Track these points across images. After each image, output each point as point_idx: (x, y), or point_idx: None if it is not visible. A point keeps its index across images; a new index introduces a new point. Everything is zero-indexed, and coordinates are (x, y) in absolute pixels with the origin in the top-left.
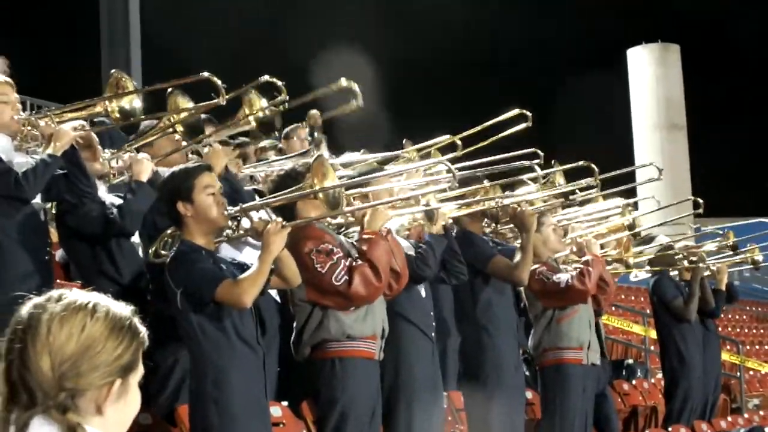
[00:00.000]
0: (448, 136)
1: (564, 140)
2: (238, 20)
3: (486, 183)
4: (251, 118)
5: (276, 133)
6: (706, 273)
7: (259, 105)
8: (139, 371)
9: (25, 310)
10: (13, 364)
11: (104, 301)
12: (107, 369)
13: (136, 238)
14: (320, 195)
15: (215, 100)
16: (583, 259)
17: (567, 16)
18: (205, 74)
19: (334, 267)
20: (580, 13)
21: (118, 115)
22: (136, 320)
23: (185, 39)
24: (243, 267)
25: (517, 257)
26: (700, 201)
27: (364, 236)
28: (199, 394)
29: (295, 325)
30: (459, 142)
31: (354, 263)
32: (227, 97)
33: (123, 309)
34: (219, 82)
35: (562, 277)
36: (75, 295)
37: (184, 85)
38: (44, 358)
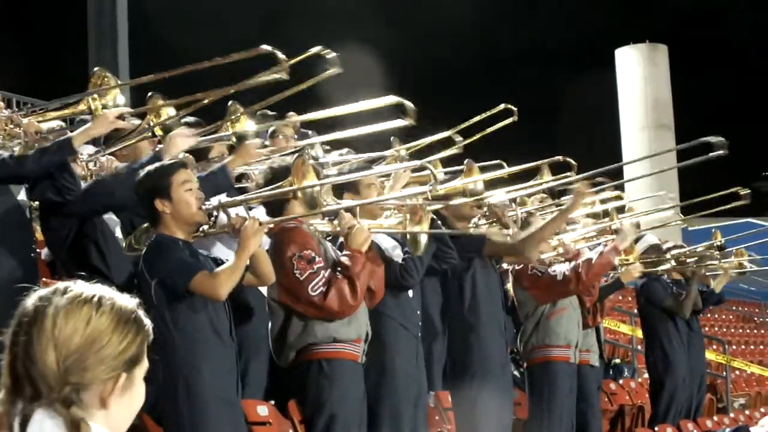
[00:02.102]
0: (436, 137)
1: (552, 140)
2: (234, 15)
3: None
4: (230, 131)
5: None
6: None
7: (242, 123)
8: (144, 364)
9: (31, 302)
10: (17, 357)
11: (109, 293)
12: (113, 363)
13: (119, 233)
14: (298, 194)
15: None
16: (587, 255)
17: (556, 16)
18: (267, 48)
19: (313, 276)
20: (569, 13)
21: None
22: (141, 313)
23: (176, 36)
24: (218, 262)
25: (527, 232)
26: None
27: (349, 252)
28: (169, 388)
29: (270, 327)
30: (459, 138)
31: (334, 276)
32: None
33: (128, 301)
34: (279, 53)
35: (558, 269)
36: (80, 287)
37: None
38: (49, 351)
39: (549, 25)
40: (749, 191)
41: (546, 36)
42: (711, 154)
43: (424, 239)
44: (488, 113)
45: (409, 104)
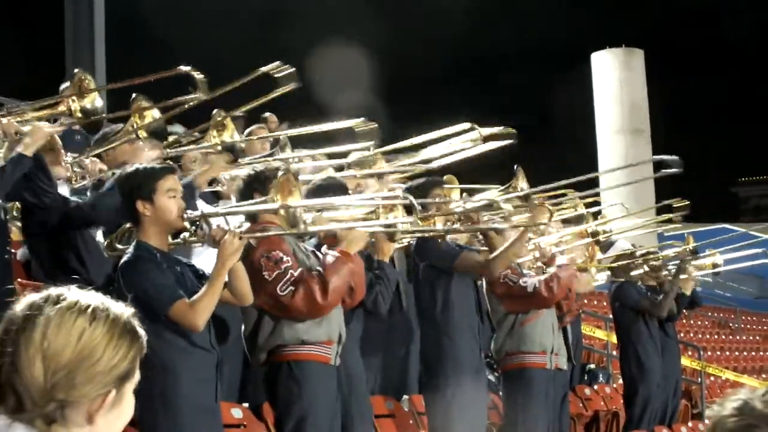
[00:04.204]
0: (402, 143)
1: (528, 143)
2: (224, 16)
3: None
4: (217, 141)
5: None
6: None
7: (230, 132)
8: (135, 378)
9: (20, 309)
10: (3, 367)
11: (104, 303)
12: (103, 380)
13: (100, 237)
14: (281, 211)
15: (194, 95)
16: (557, 263)
17: (533, 20)
18: (185, 68)
19: (281, 276)
20: (546, 17)
21: (80, 115)
22: (136, 323)
23: (175, 36)
24: (197, 272)
25: (496, 252)
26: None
27: (332, 252)
28: (147, 396)
29: (243, 329)
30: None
31: (306, 275)
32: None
33: (123, 311)
34: (200, 75)
35: (529, 282)
36: (74, 295)
37: (153, 84)
38: (37, 364)
39: (526, 28)
40: (687, 203)
41: (523, 40)
42: (665, 171)
43: (399, 226)
44: (451, 130)
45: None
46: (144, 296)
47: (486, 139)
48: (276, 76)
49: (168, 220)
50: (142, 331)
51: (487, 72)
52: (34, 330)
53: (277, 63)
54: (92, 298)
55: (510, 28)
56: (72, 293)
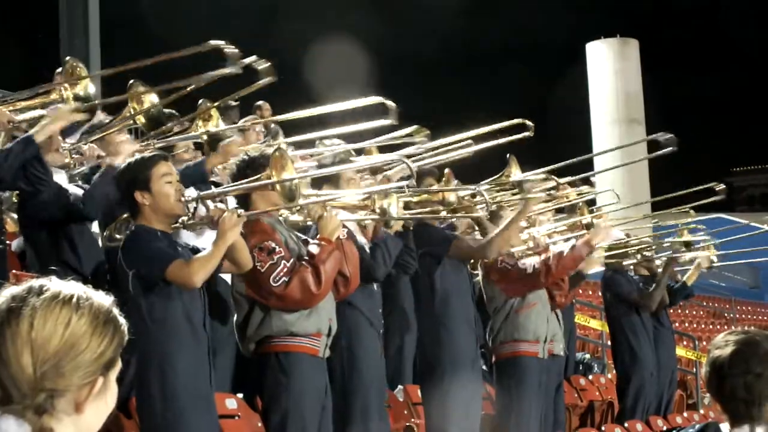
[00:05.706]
0: (416, 126)
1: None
2: (222, 13)
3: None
4: (201, 128)
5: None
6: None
7: (215, 121)
8: (118, 366)
9: (3, 301)
10: None
11: (86, 292)
12: (90, 368)
13: (95, 228)
14: (277, 187)
15: (224, 70)
16: (558, 248)
17: (527, 10)
18: (215, 42)
19: (273, 267)
20: (541, 8)
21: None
22: (117, 312)
23: (149, 27)
24: (197, 251)
25: (490, 235)
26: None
27: (318, 241)
28: (144, 380)
29: (235, 318)
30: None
31: (298, 265)
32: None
33: (105, 300)
34: (232, 48)
35: (528, 262)
36: (57, 286)
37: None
38: (25, 355)
39: (521, 19)
40: (724, 186)
41: (518, 30)
42: (659, 152)
43: (393, 212)
44: (500, 125)
45: (390, 104)
46: (143, 264)
47: None
48: (257, 68)
49: (167, 206)
50: (123, 320)
51: (484, 66)
52: (20, 321)
53: (254, 57)
54: (74, 288)
55: (504, 18)
56: (54, 284)
